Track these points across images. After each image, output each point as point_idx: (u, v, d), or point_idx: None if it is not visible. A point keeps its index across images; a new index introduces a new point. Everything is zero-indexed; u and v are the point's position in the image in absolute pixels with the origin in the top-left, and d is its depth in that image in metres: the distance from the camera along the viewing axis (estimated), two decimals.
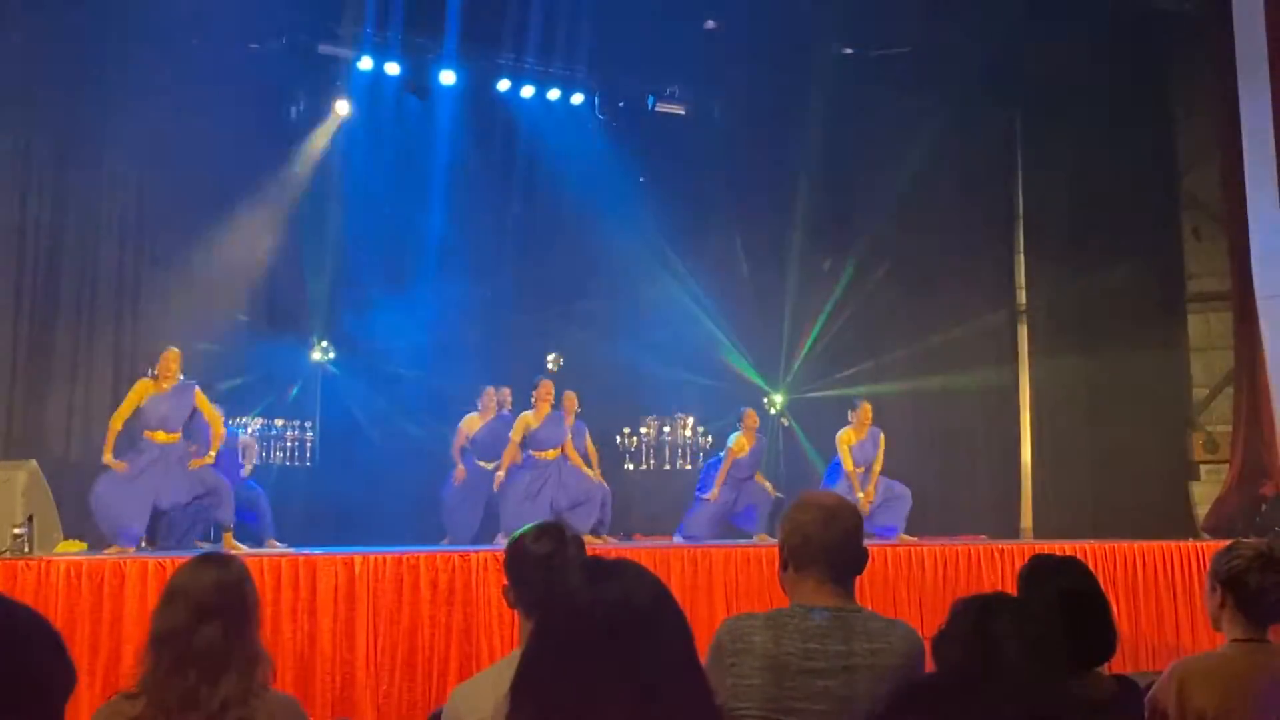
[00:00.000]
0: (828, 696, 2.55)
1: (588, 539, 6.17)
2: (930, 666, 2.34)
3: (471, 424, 9.77)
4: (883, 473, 9.91)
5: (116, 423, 7.90)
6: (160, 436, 7.83)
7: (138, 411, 7.88)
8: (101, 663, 5.85)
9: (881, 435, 9.86)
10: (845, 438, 9.75)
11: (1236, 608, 3.14)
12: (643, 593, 1.59)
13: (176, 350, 7.97)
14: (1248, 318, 11.04)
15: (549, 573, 2.56)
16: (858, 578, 2.76)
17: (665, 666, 1.55)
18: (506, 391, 10.05)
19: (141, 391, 7.89)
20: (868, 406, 9.91)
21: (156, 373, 7.88)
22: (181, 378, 7.98)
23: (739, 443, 9.95)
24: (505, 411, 9.79)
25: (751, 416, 10.17)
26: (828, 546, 2.68)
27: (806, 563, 2.68)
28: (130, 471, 7.64)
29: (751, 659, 2.57)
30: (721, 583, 7.33)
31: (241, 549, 7.55)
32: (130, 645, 5.79)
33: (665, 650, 1.56)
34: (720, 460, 10.02)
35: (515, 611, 2.79)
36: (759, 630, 2.60)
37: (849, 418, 9.87)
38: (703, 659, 2.56)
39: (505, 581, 2.80)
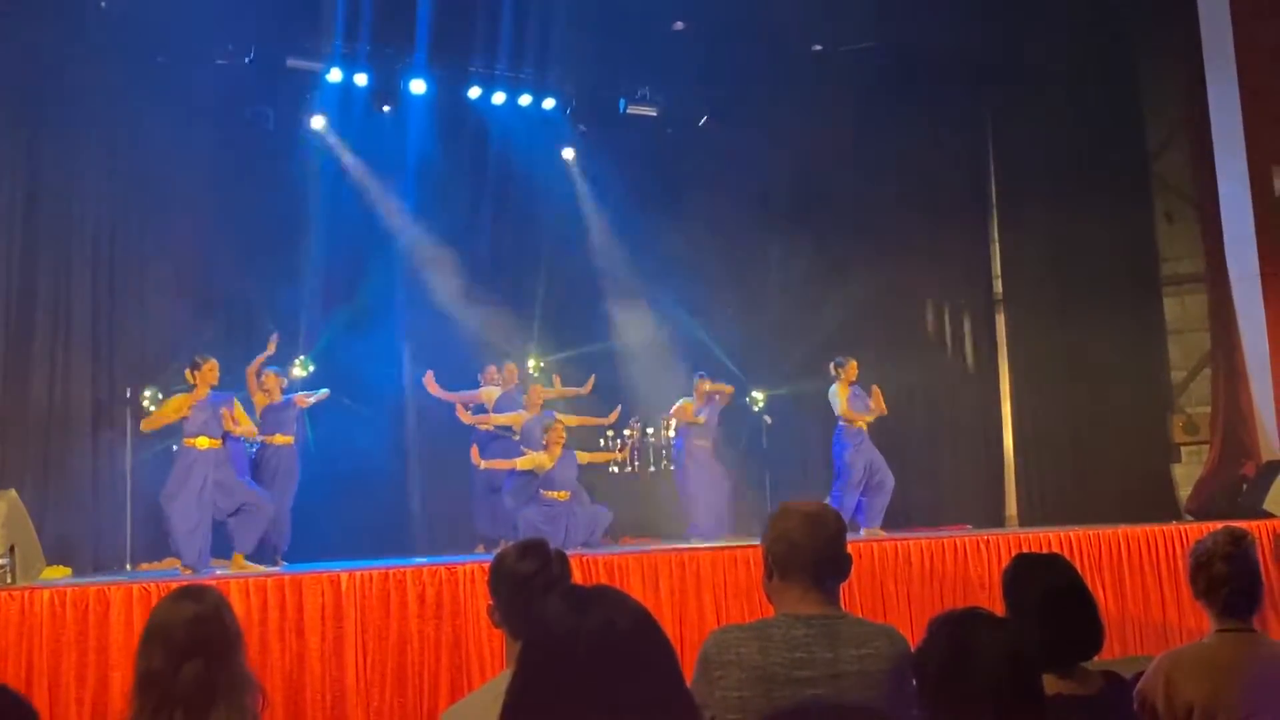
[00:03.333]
0: (817, 705, 2.55)
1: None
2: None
3: (491, 395, 10.08)
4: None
5: (146, 426, 8.19)
6: (203, 443, 7.97)
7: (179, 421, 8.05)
8: (89, 692, 5.81)
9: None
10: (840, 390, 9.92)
11: (1214, 597, 3.16)
12: (626, 620, 1.58)
13: (214, 360, 8.13)
14: (1222, 299, 11.11)
15: (533, 593, 2.54)
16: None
17: (651, 694, 1.54)
18: (511, 368, 10.39)
19: (179, 405, 8.00)
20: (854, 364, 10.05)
21: (194, 381, 8.02)
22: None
23: (683, 405, 10.22)
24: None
25: (702, 383, 10.34)
26: (812, 554, 2.68)
27: (791, 571, 2.68)
28: (191, 492, 7.79)
29: (739, 671, 2.57)
30: (710, 585, 7.34)
31: (255, 569, 7.58)
32: (118, 672, 5.76)
33: (651, 677, 1.55)
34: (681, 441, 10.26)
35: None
36: (745, 642, 2.60)
37: (834, 373, 10.02)
38: (691, 668, 2.57)
39: (490, 601, 2.78)
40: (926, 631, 2.25)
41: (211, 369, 8.04)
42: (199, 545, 7.75)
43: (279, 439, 8.96)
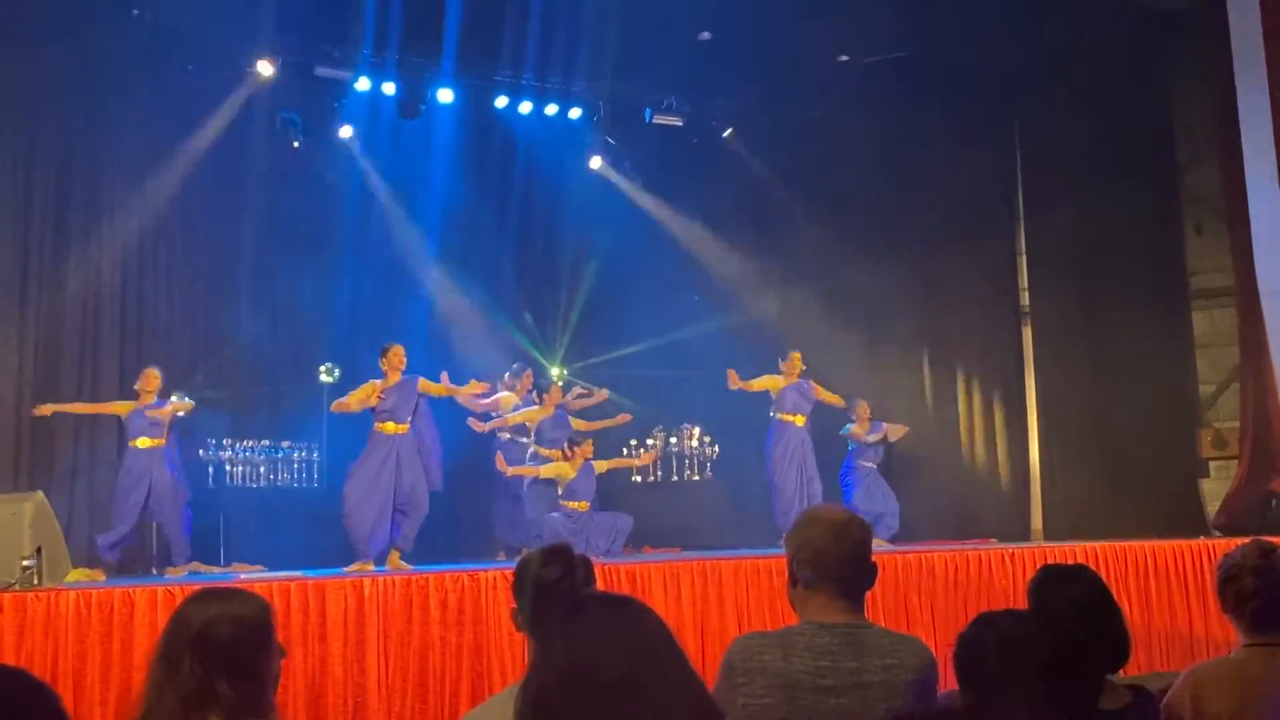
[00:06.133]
0: (840, 714, 2.54)
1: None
2: (949, 678, 2.33)
3: (509, 401, 10.10)
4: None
5: (337, 407, 8.32)
6: (390, 428, 8.23)
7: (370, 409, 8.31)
8: (114, 693, 5.83)
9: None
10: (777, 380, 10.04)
11: (1242, 611, 3.12)
12: (646, 631, 1.57)
13: (400, 346, 8.36)
14: (1252, 313, 10.99)
15: (557, 599, 2.53)
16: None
17: (667, 702, 1.52)
18: (528, 374, 10.41)
19: (370, 390, 8.24)
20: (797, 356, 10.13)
21: (385, 369, 8.30)
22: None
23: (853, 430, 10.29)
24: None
25: (863, 407, 10.42)
26: (838, 562, 2.67)
27: (816, 579, 2.67)
28: (371, 472, 8.07)
29: (763, 678, 2.56)
30: (732, 595, 7.30)
31: (407, 568, 7.63)
32: (142, 674, 5.75)
33: (666, 687, 1.53)
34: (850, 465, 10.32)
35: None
36: (769, 649, 2.59)
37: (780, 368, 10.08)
38: (713, 677, 2.56)
39: (514, 605, 2.78)
40: (970, 626, 2.23)
41: (398, 354, 8.24)
42: (369, 527, 7.95)
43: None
